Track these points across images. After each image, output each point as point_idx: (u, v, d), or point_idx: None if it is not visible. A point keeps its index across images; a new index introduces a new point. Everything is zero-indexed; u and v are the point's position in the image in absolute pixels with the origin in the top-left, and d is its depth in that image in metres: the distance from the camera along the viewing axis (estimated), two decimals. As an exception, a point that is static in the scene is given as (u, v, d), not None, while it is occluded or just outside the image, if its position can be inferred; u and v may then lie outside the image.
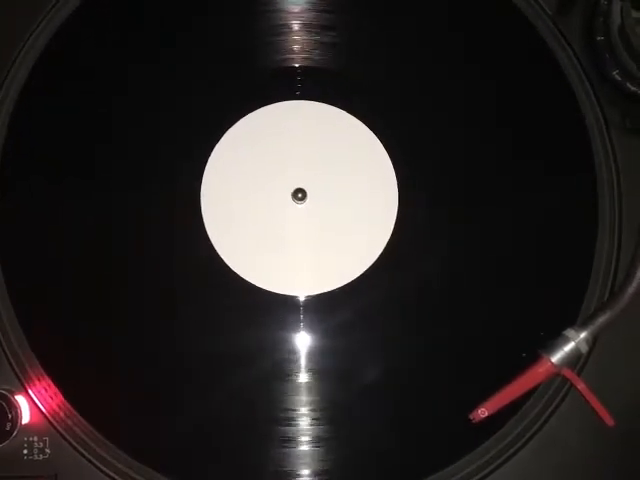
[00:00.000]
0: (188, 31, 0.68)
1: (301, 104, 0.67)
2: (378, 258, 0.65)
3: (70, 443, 0.62)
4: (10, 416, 0.60)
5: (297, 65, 0.67)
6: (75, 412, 0.63)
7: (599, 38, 0.64)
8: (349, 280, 0.65)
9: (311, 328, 0.64)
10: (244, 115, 0.67)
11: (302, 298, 0.65)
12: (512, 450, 0.62)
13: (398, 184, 0.66)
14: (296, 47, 0.68)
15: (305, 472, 0.62)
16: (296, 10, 0.68)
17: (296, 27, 0.68)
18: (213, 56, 0.68)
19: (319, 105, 0.67)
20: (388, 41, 0.68)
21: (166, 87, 0.67)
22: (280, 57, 0.67)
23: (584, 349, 0.60)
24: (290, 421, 0.63)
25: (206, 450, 0.62)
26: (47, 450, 0.62)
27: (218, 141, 0.66)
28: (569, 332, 0.60)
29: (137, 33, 0.68)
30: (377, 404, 0.64)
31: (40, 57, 0.67)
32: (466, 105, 0.67)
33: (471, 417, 0.60)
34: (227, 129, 0.67)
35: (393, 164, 0.66)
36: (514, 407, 0.62)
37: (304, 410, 0.63)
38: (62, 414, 0.63)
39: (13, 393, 0.62)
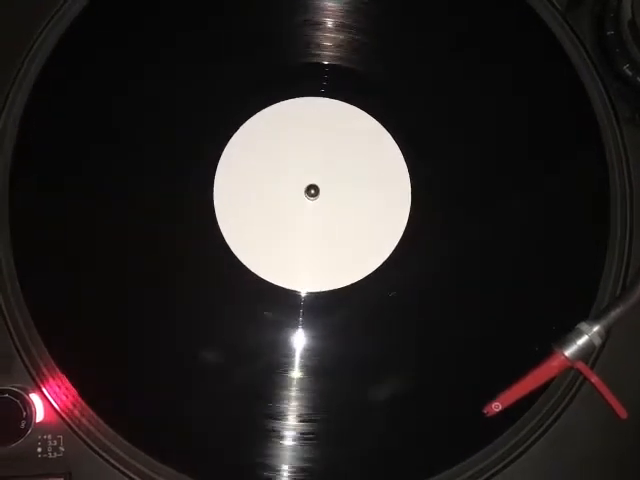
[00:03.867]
0: (204, 27, 0.68)
1: (317, 101, 0.67)
2: (387, 259, 0.65)
3: (84, 441, 0.62)
4: (25, 414, 0.60)
5: (316, 62, 0.67)
6: (89, 410, 0.63)
7: (609, 33, 0.65)
8: (356, 280, 0.65)
9: (310, 325, 0.64)
10: (259, 110, 0.67)
11: (304, 294, 0.65)
12: (526, 444, 0.62)
13: (411, 185, 0.66)
14: (320, 44, 0.68)
15: (296, 468, 0.63)
16: (328, 8, 0.68)
17: (325, 25, 0.68)
18: (231, 49, 0.68)
19: (334, 102, 0.67)
20: (406, 43, 0.68)
21: (180, 81, 0.67)
22: (301, 53, 0.68)
23: (597, 342, 0.60)
24: (283, 415, 0.63)
25: (213, 444, 0.63)
26: (61, 448, 0.62)
27: (232, 135, 0.66)
28: (582, 326, 0.61)
29: (155, 26, 0.68)
30: (384, 399, 0.64)
31: (49, 58, 0.67)
32: (478, 104, 0.67)
33: (485, 411, 0.61)
34: (243, 123, 0.67)
35: (407, 164, 0.66)
36: (528, 401, 0.62)
37: (302, 406, 0.63)
38: (76, 412, 0.62)
39: (27, 391, 0.61)
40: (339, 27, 0.68)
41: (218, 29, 0.68)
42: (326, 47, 0.68)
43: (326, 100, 0.67)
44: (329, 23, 0.68)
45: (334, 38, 0.68)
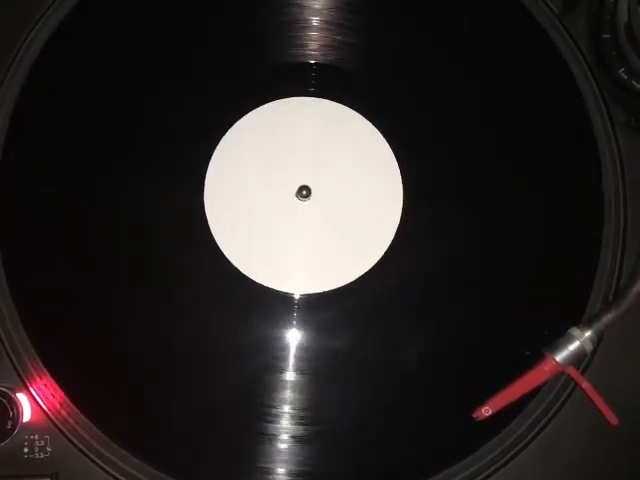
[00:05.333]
0: (190, 29, 0.68)
1: (308, 101, 0.67)
2: (380, 260, 0.65)
3: (71, 441, 0.62)
4: (11, 414, 0.60)
5: (306, 61, 0.67)
6: (76, 410, 0.62)
7: (605, 36, 0.64)
8: (348, 281, 0.65)
9: (305, 327, 0.64)
10: (249, 111, 0.66)
11: (297, 296, 0.65)
12: (516, 449, 0.62)
13: (403, 185, 0.66)
14: (308, 44, 0.67)
15: (292, 470, 0.62)
16: (315, 6, 0.68)
17: (312, 24, 0.68)
18: (222, 49, 0.67)
19: (326, 102, 0.67)
20: (395, 42, 0.68)
21: (170, 81, 0.67)
22: (289, 53, 0.67)
23: (589, 348, 0.60)
24: (277, 418, 0.63)
25: (202, 446, 0.62)
26: (48, 448, 0.62)
27: (223, 136, 0.66)
28: (574, 331, 0.60)
29: (141, 26, 0.68)
30: (379, 404, 0.64)
31: (39, 56, 0.67)
32: (472, 105, 0.67)
33: (475, 416, 0.60)
34: (232, 125, 0.66)
35: (399, 165, 0.66)
36: (518, 406, 0.62)
37: (296, 407, 0.63)
38: (63, 412, 0.62)
39: (14, 391, 0.61)
40: (327, 26, 0.67)
41: (204, 30, 0.68)
42: (314, 46, 0.67)
43: (316, 100, 0.67)
44: (317, 22, 0.68)
45: (322, 37, 0.67)
